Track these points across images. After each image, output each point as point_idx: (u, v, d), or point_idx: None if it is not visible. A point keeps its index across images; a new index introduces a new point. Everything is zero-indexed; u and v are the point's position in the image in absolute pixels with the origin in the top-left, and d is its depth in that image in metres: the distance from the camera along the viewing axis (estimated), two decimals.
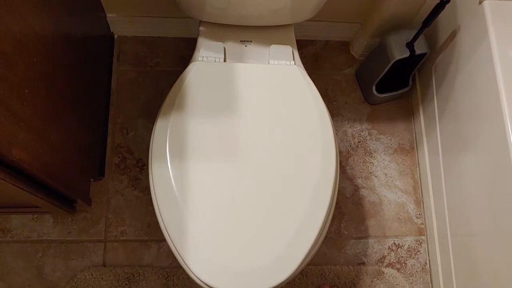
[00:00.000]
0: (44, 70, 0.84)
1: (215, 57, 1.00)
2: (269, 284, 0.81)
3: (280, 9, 0.98)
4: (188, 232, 0.83)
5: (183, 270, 0.83)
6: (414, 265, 1.33)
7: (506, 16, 1.01)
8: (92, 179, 1.27)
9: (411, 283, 1.31)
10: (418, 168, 1.42)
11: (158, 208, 0.86)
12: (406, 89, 1.42)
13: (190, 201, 0.85)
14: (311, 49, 1.52)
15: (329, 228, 1.20)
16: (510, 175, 0.92)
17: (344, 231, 1.34)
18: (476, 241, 1.08)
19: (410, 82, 1.42)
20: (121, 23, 1.42)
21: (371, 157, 1.42)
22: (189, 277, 0.84)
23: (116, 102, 1.40)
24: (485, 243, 1.04)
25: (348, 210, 1.36)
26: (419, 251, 1.34)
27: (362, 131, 1.44)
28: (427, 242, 1.34)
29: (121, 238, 1.28)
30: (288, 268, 0.82)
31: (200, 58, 0.99)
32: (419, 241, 1.35)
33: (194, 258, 0.82)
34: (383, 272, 1.30)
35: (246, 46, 1.04)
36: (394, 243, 1.34)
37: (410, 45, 1.24)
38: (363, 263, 1.31)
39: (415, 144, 1.44)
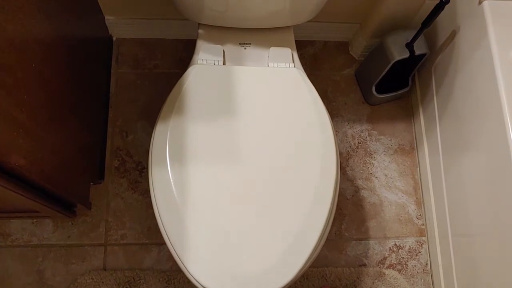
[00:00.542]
0: (43, 74, 0.83)
1: (214, 60, 0.99)
2: None
3: (279, 11, 0.98)
4: (188, 236, 0.83)
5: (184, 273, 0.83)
6: (415, 266, 1.32)
7: (506, 16, 1.00)
8: (91, 183, 1.27)
9: (412, 284, 1.30)
10: (418, 169, 1.41)
11: (158, 211, 0.86)
12: (405, 90, 1.42)
13: (190, 205, 0.85)
14: (310, 50, 1.51)
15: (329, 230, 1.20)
16: (511, 174, 0.92)
17: (345, 233, 1.34)
18: (477, 242, 1.08)
19: (410, 83, 1.42)
20: (120, 25, 1.41)
21: (371, 158, 1.42)
22: (189, 281, 0.84)
23: (115, 105, 1.40)
24: (487, 243, 1.04)
25: (349, 211, 1.36)
26: (420, 252, 1.34)
27: (362, 132, 1.44)
28: (428, 243, 1.34)
29: (122, 242, 1.27)
30: (289, 272, 0.82)
31: (199, 61, 0.99)
32: (420, 242, 1.35)
33: (194, 262, 0.81)
34: (384, 274, 1.30)
35: (245, 48, 1.03)
36: (395, 244, 1.34)
37: (409, 46, 1.24)
38: (364, 265, 1.31)
39: (415, 145, 1.44)
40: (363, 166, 1.41)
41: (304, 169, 0.89)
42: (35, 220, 1.27)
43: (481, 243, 1.06)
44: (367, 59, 1.42)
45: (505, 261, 0.97)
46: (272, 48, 1.02)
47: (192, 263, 0.81)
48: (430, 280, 1.31)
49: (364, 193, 1.38)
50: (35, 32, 0.80)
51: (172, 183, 0.86)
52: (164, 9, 1.33)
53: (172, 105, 0.92)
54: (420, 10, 1.28)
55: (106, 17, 1.37)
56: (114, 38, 1.46)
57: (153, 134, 0.91)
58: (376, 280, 1.29)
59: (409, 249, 1.34)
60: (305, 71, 1.02)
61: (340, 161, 1.39)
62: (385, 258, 1.32)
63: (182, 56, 1.46)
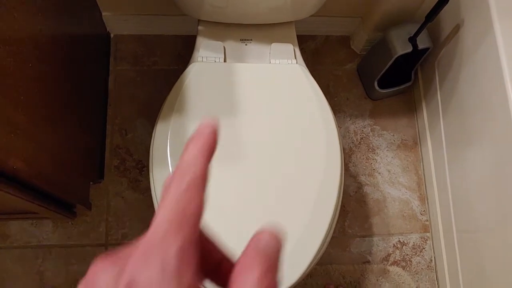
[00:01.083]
0: (39, 74, 0.81)
1: (215, 57, 0.97)
2: None
3: (280, 6, 0.95)
4: None
5: None
6: (419, 262, 1.31)
7: None
8: (91, 182, 1.25)
9: (417, 281, 1.29)
10: (421, 164, 1.40)
11: None
12: (408, 84, 1.40)
13: None
14: (311, 45, 1.49)
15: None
16: None
17: (348, 230, 1.32)
18: (482, 237, 1.07)
19: (413, 77, 1.40)
20: (117, 22, 1.39)
21: (374, 153, 1.40)
22: None
23: (114, 103, 1.37)
24: (492, 239, 1.03)
25: (352, 208, 1.34)
26: (424, 248, 1.32)
27: (365, 127, 1.42)
28: (432, 239, 1.33)
29: (123, 241, 1.26)
30: (294, 272, 0.81)
31: (199, 59, 0.97)
32: (424, 238, 1.33)
33: None
34: (388, 271, 1.29)
35: (246, 45, 1.01)
36: (399, 241, 1.33)
37: (412, 40, 1.22)
38: (368, 262, 1.30)
39: (418, 140, 1.42)
40: (366, 162, 1.39)
41: (308, 167, 0.88)
42: (34, 221, 1.25)
43: (486, 238, 1.05)
44: (369, 54, 1.40)
45: (511, 256, 0.96)
46: (273, 44, 1.00)
47: None
48: (435, 276, 1.30)
49: (367, 189, 1.36)
50: (31, 31, 0.78)
51: None
52: (162, 5, 1.31)
53: (172, 104, 0.90)
54: (423, 4, 1.26)
55: (103, 13, 1.35)
56: (111, 35, 1.44)
57: (153, 134, 0.89)
58: (380, 277, 1.28)
59: (413, 245, 1.33)
60: (306, 65, 1.00)
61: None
62: (389, 255, 1.31)
63: (182, 52, 1.44)
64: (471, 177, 1.11)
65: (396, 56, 1.23)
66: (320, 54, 1.49)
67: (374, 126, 1.43)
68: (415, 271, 1.30)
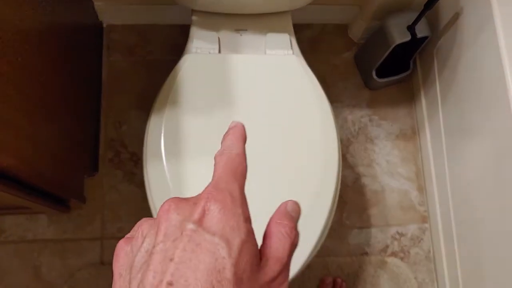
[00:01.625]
0: (29, 67, 0.79)
1: (209, 48, 0.95)
2: None
3: None
4: None
5: None
6: (417, 253, 1.31)
7: None
8: (85, 175, 1.23)
9: (415, 271, 1.29)
10: (420, 154, 1.38)
11: (155, 208, 0.83)
12: (407, 73, 1.38)
13: None
14: (308, 33, 1.47)
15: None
16: None
17: (346, 221, 1.31)
18: (481, 228, 1.06)
19: (411, 66, 1.38)
20: (110, 11, 1.35)
21: (372, 144, 1.38)
22: None
23: (107, 95, 1.35)
24: (490, 230, 1.02)
25: (350, 199, 1.33)
26: (422, 239, 1.32)
27: (363, 117, 1.41)
28: (430, 230, 1.32)
29: (118, 235, 1.24)
30: (295, 264, 0.79)
31: (193, 50, 0.94)
32: (422, 229, 1.33)
33: None
34: (386, 262, 1.28)
35: (241, 35, 0.99)
36: (397, 232, 1.32)
37: (411, 29, 1.20)
38: (366, 253, 1.29)
39: (417, 130, 1.41)
40: (364, 153, 1.38)
41: (305, 158, 0.86)
42: (29, 216, 1.24)
43: (485, 229, 1.04)
44: (367, 43, 1.38)
45: (509, 247, 0.95)
46: (269, 34, 0.98)
47: None
48: (433, 267, 1.30)
49: (365, 180, 1.35)
50: (19, 23, 0.76)
51: (168, 178, 0.83)
52: None
53: (166, 97, 0.88)
54: None
55: (95, 3, 1.31)
56: (104, 25, 1.41)
57: (146, 128, 0.87)
58: (378, 269, 1.27)
59: (412, 236, 1.32)
60: (303, 55, 0.98)
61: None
62: (387, 246, 1.30)
63: (177, 42, 1.41)
64: (470, 167, 1.10)
65: (394, 45, 1.21)
66: (317, 43, 1.46)
67: (372, 116, 1.41)
68: (413, 262, 1.30)
